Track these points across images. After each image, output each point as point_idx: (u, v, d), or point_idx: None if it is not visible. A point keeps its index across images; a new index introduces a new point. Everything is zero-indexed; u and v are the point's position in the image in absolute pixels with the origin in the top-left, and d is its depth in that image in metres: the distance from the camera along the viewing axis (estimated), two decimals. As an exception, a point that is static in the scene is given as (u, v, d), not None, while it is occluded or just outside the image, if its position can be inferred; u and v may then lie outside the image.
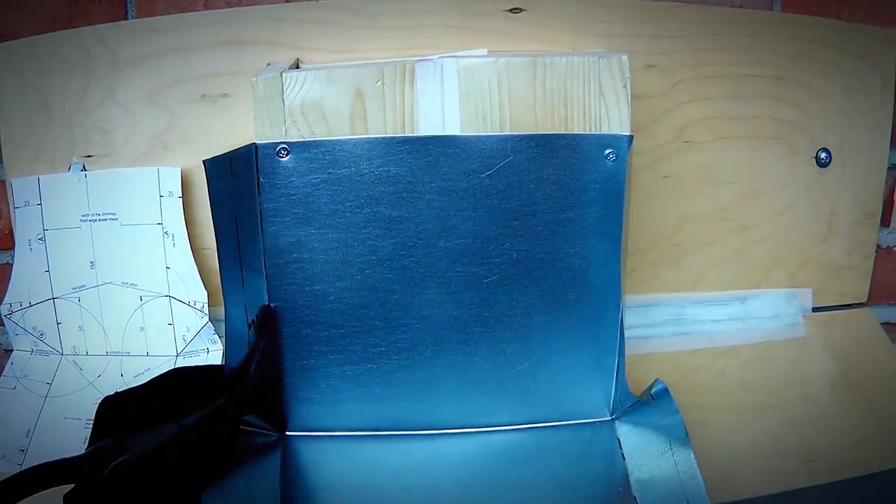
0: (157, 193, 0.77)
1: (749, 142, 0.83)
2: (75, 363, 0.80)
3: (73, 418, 0.76)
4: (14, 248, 0.80)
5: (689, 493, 0.63)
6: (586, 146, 0.67)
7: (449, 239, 0.67)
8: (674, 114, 0.81)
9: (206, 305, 0.77)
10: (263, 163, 0.66)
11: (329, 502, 0.67)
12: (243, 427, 0.69)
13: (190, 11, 0.79)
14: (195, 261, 0.77)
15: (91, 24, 0.79)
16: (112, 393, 0.61)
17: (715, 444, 0.75)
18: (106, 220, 0.78)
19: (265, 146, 0.66)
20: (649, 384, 0.70)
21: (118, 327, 0.79)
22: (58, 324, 0.80)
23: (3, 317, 0.80)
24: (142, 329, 0.79)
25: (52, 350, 0.80)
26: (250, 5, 0.79)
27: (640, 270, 0.84)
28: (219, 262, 0.65)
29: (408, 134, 0.67)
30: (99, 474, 0.55)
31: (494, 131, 0.67)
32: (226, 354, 0.69)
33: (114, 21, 0.79)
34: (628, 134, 0.67)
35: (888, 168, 0.89)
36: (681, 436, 0.65)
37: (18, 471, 0.53)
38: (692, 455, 0.64)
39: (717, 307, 0.85)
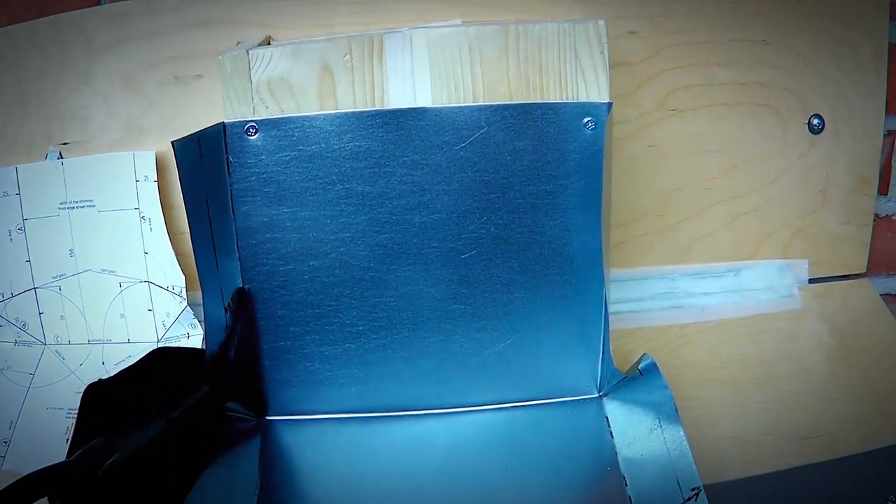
0: (133, 178, 0.75)
1: (737, 109, 0.80)
2: (58, 352, 0.78)
3: (55, 408, 0.74)
4: (-5, 239, 0.79)
5: (679, 471, 0.60)
6: (564, 115, 0.64)
7: (424, 214, 0.65)
8: (658, 81, 0.77)
9: (184, 290, 0.75)
10: (232, 142, 0.64)
11: (309, 487, 0.64)
12: (225, 413, 0.67)
13: (162, -7, 0.77)
14: (172, 245, 0.75)
15: (64, 12, 0.77)
16: (96, 380, 0.59)
17: (707, 420, 0.72)
18: (84, 207, 0.76)
19: (233, 125, 0.63)
20: (636, 360, 0.67)
21: (99, 315, 0.77)
22: (40, 314, 0.78)
23: (-14, 309, 0.79)
24: (122, 316, 0.77)
25: (34, 340, 0.79)
26: (221, -15, 0.77)
27: (629, 243, 0.81)
28: (192, 245, 0.63)
29: (378, 108, 0.64)
30: (92, 477, 0.53)
31: (467, 102, 0.64)
32: (205, 339, 0.66)
33: (86, 7, 0.77)
34: (607, 101, 0.64)
35: (884, 134, 0.85)
36: (670, 412, 0.62)
37: (12, 481, 0.51)
38: (682, 432, 0.61)
39: (710, 279, 0.82)
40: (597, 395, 0.69)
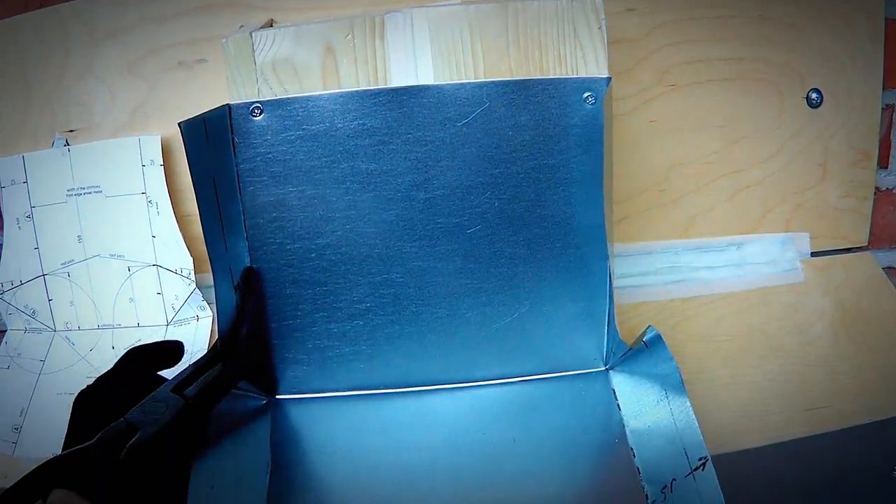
0: (139, 163, 0.76)
1: (735, 84, 0.81)
2: (67, 338, 0.79)
3: (66, 393, 0.76)
4: (2, 227, 0.80)
5: (686, 442, 0.61)
6: (564, 90, 0.65)
7: (428, 190, 0.66)
8: (656, 57, 0.79)
9: (192, 272, 0.77)
10: (237, 123, 0.65)
11: (320, 463, 0.66)
12: (236, 391, 0.68)
13: (163, -20, 0.78)
14: (180, 228, 0.77)
15: (67, 1, 0.79)
16: (84, 387, 0.60)
17: (712, 392, 0.73)
18: (91, 192, 0.77)
19: (238, 106, 0.65)
20: (641, 332, 0.68)
21: (108, 300, 0.79)
22: (49, 300, 0.80)
23: (-4, 297, 0.80)
24: (131, 300, 0.78)
25: (44, 327, 0.80)
26: (222, -31, 0.78)
27: (631, 218, 0.82)
28: (202, 225, 0.64)
29: (381, 86, 0.66)
30: (113, 459, 0.54)
31: (469, 79, 0.65)
32: (217, 319, 0.68)
33: (88, -4, 0.79)
34: (606, 76, 0.65)
35: (882, 108, 0.86)
36: (676, 384, 0.63)
37: (25, 468, 0.52)
38: (688, 403, 0.62)
39: (713, 253, 0.83)
40: (603, 369, 0.71)
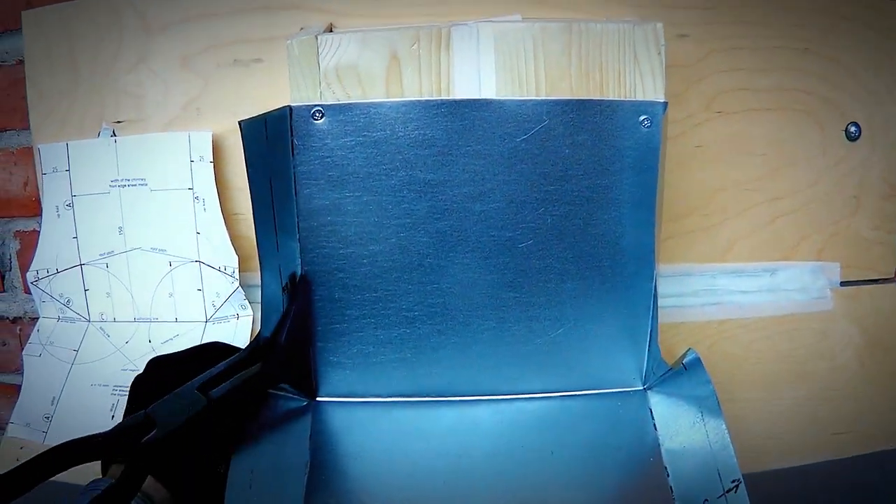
0: (187, 158, 0.78)
1: (778, 114, 0.83)
2: (102, 329, 0.81)
3: (100, 385, 0.77)
4: (41, 214, 0.81)
5: (720, 463, 0.63)
6: (621, 112, 0.67)
7: (484, 203, 0.68)
8: (704, 84, 0.81)
9: (236, 270, 0.78)
10: (298, 125, 0.66)
11: (359, 468, 0.67)
12: (274, 392, 0.69)
13: (222, -24, 0.80)
14: (226, 226, 0.78)
15: (121, -9, 0.80)
16: (159, 355, 0.62)
17: (743, 414, 0.76)
18: (135, 185, 0.79)
19: (300, 109, 0.66)
20: (681, 354, 0.70)
21: (146, 293, 0.80)
22: (85, 290, 0.81)
23: (30, 283, 0.81)
24: (170, 295, 0.79)
25: (78, 317, 0.81)
26: (283, -30, 0.80)
27: (673, 240, 0.84)
28: (254, 224, 0.66)
29: (444, 98, 0.67)
30: (129, 451, 0.56)
31: (530, 96, 0.67)
32: (261, 318, 0.69)
33: (143, -14, 0.81)
34: (663, 101, 0.68)
35: (916, 144, 0.89)
36: (713, 406, 0.65)
37: (46, 449, 0.53)
38: (724, 426, 0.64)
39: (748, 278, 0.86)
40: (641, 388, 0.73)
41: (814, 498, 0.76)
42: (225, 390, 0.61)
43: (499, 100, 0.67)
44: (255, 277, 0.77)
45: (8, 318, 0.91)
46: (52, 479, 0.53)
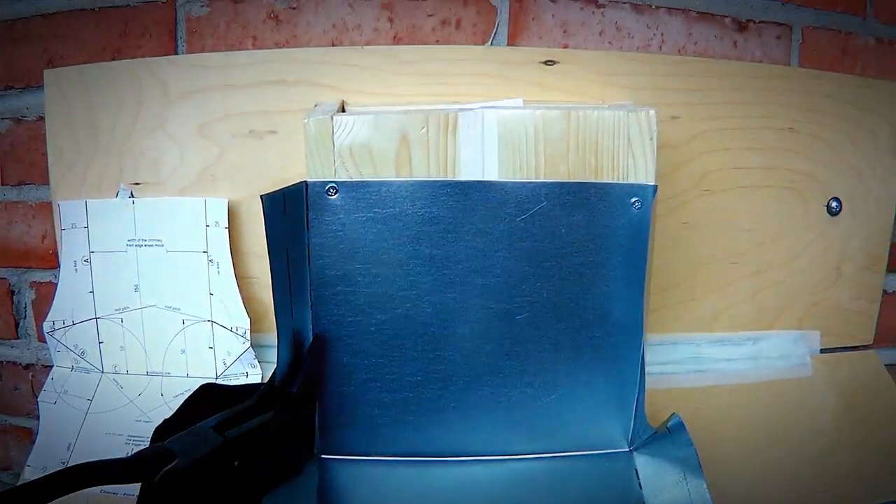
0: (203, 223, 0.85)
1: (764, 191, 0.92)
2: (116, 381, 0.87)
3: (114, 434, 0.83)
4: (59, 267, 0.88)
5: (700, 519, 0.71)
6: (614, 194, 0.75)
7: (485, 277, 0.75)
8: (694, 163, 0.90)
9: (248, 331, 0.85)
10: (313, 200, 0.74)
11: (363, 524, 0.75)
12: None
13: (239, 50, 0.88)
14: (239, 289, 0.85)
15: (141, 57, 0.88)
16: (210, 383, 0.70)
17: (725, 474, 0.82)
18: (152, 245, 0.86)
19: (315, 184, 0.74)
20: (666, 417, 0.78)
21: (160, 349, 0.87)
22: (99, 343, 0.87)
23: (46, 333, 0.88)
24: (183, 351, 0.86)
25: (92, 368, 0.88)
26: (297, 47, 0.88)
27: (661, 311, 0.92)
28: (272, 290, 0.74)
29: (449, 178, 0.75)
30: (147, 479, 0.60)
31: (530, 178, 0.75)
32: (274, 377, 0.76)
33: (164, 55, 0.88)
34: (653, 184, 0.75)
35: (895, 216, 0.98)
36: (694, 466, 0.73)
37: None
38: (704, 485, 0.71)
39: (731, 347, 0.94)
40: (628, 450, 0.80)
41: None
42: (240, 432, 0.67)
43: (501, 182, 0.74)
44: (266, 338, 0.86)
45: (21, 364, 0.98)
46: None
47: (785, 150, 0.92)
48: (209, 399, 0.70)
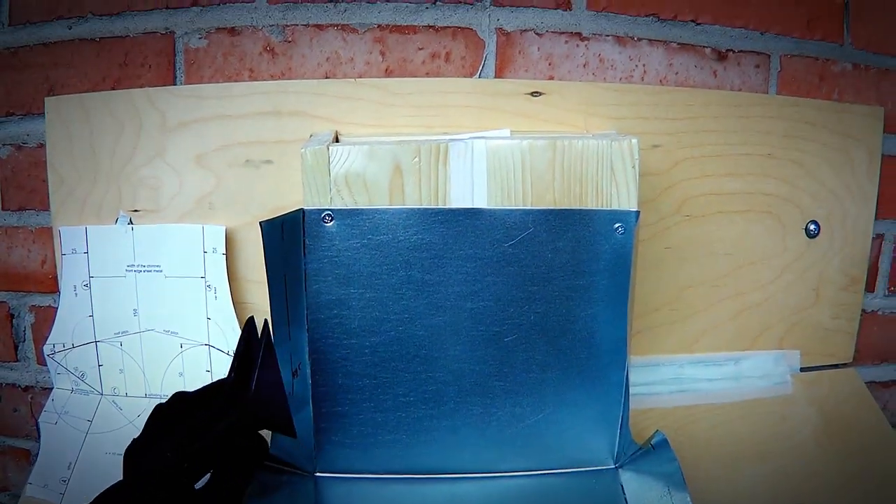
0: (201, 249, 0.90)
1: (743, 216, 0.99)
2: (115, 403, 0.93)
3: (114, 454, 0.88)
4: (59, 292, 0.93)
5: (684, 533, 0.77)
6: (598, 220, 0.81)
7: (474, 301, 0.81)
8: (675, 190, 0.96)
9: (244, 355, 0.90)
10: (310, 227, 0.80)
11: (358, 539, 0.81)
12: (278, 466, 0.82)
13: (236, 81, 0.94)
14: (236, 314, 0.91)
15: (141, 87, 0.93)
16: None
17: (708, 489, 0.88)
18: (150, 271, 0.91)
19: (312, 212, 0.80)
20: (650, 435, 0.84)
21: (158, 372, 0.92)
22: (99, 366, 0.93)
23: (46, 356, 0.93)
24: (181, 374, 0.92)
25: (91, 390, 0.93)
26: (292, 79, 0.94)
27: (644, 333, 0.99)
28: (270, 314, 0.79)
29: (440, 206, 0.80)
30: None
31: (517, 205, 0.80)
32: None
33: (163, 85, 0.94)
34: (636, 210, 0.81)
35: (873, 237, 1.04)
36: (678, 482, 0.79)
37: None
38: (688, 498, 0.77)
39: (713, 367, 1.00)
40: (614, 467, 0.86)
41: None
42: (198, 447, 0.71)
43: (489, 209, 0.80)
44: (262, 362, 0.91)
45: (20, 386, 1.04)
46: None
47: (764, 175, 0.98)
48: (178, 409, 0.74)
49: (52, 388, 0.94)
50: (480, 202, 0.81)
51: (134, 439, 0.72)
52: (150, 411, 0.72)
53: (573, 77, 0.97)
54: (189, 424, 0.72)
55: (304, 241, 0.80)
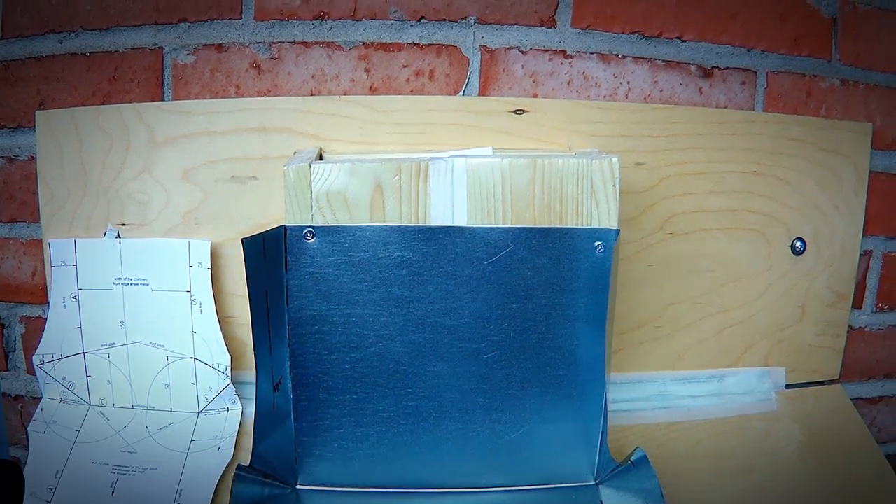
0: (186, 264, 0.92)
1: (727, 233, 1.00)
2: (102, 413, 0.94)
3: (100, 463, 0.90)
4: (48, 303, 0.95)
5: (664, 552, 0.79)
6: (578, 239, 0.82)
7: (454, 318, 0.83)
8: (659, 207, 0.97)
9: (228, 368, 0.92)
10: (291, 244, 0.81)
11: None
12: (258, 478, 0.84)
13: (223, 97, 0.96)
14: (221, 328, 0.92)
15: (130, 102, 0.95)
16: None
17: (690, 504, 0.91)
18: (137, 284, 0.93)
19: (293, 229, 0.81)
20: (630, 452, 0.86)
21: (144, 383, 0.94)
22: (87, 376, 0.95)
23: (35, 366, 0.95)
24: (167, 386, 0.94)
25: (80, 400, 0.95)
26: (278, 96, 0.96)
27: (627, 350, 1.00)
28: (252, 329, 0.81)
29: (421, 224, 0.82)
30: None
31: (497, 223, 0.82)
32: (255, 412, 0.84)
33: (151, 100, 0.96)
34: (616, 228, 0.82)
35: (860, 254, 1.05)
36: (657, 497, 0.80)
37: None
38: (668, 515, 0.79)
39: (697, 384, 1.02)
40: (593, 483, 0.87)
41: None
42: None
43: (469, 227, 0.82)
44: (246, 375, 0.93)
45: (10, 395, 1.06)
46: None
47: (749, 192, 0.99)
48: None
49: (41, 398, 0.96)
50: (461, 220, 0.82)
51: None
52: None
53: (557, 95, 0.98)
54: None
55: (285, 257, 0.81)
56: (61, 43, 0.95)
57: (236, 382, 0.93)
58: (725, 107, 1.00)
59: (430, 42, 0.96)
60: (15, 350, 1.04)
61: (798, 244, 1.02)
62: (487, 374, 0.84)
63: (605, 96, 0.99)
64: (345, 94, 0.96)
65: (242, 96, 0.96)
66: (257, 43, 0.95)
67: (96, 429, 0.94)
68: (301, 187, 0.82)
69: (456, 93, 0.97)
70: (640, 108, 0.97)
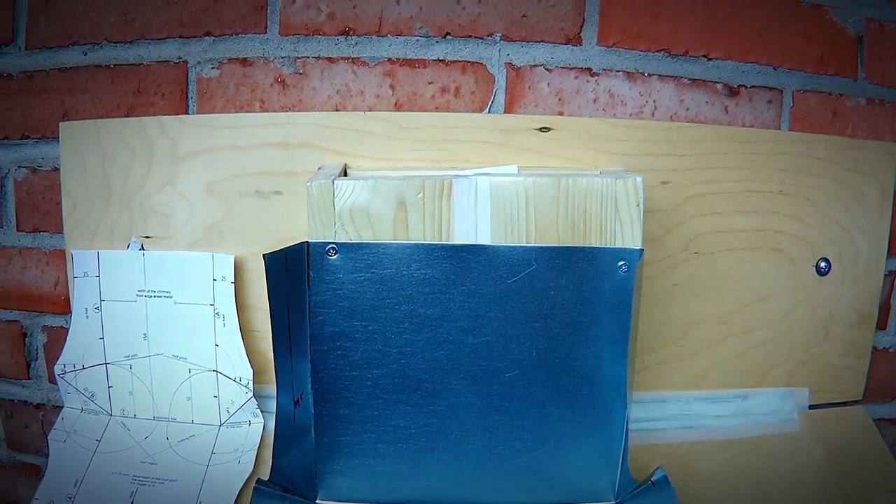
0: (210, 277, 0.93)
1: (752, 253, 1.00)
2: (123, 424, 0.96)
3: (120, 473, 0.91)
4: (71, 313, 0.96)
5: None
6: (602, 258, 0.83)
7: (476, 336, 0.84)
8: (684, 227, 0.98)
9: (250, 382, 0.93)
10: (314, 260, 0.82)
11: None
12: (279, 493, 0.85)
13: (247, 112, 0.97)
14: (243, 341, 0.93)
15: (153, 115, 0.96)
16: None
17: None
18: (161, 297, 0.94)
19: (316, 245, 0.82)
20: (651, 471, 0.86)
21: (166, 395, 0.95)
22: (109, 387, 0.96)
23: (57, 376, 0.96)
24: (188, 399, 0.95)
25: (101, 410, 0.96)
26: (302, 111, 0.97)
27: (651, 369, 1.01)
28: (273, 345, 0.82)
29: (444, 241, 0.83)
30: None
31: (521, 242, 0.83)
32: (275, 427, 0.85)
33: (175, 114, 0.97)
34: (639, 248, 0.83)
35: (885, 274, 1.05)
36: (678, 519, 0.81)
37: None
38: (687, 536, 0.80)
39: (720, 404, 1.02)
40: (614, 502, 0.88)
41: None
42: None
43: (493, 246, 0.82)
44: (268, 389, 0.94)
45: (32, 403, 1.07)
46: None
47: (774, 212, 1.00)
48: None
49: (62, 407, 0.97)
50: (484, 238, 0.83)
51: None
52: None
53: (583, 113, 0.99)
54: None
55: (308, 273, 0.82)
56: (86, 55, 0.97)
57: (258, 396, 0.94)
58: (751, 125, 1.00)
59: (455, 59, 0.97)
60: (37, 359, 1.06)
61: (823, 264, 1.02)
62: (509, 392, 0.85)
63: (630, 114, 0.99)
64: (370, 110, 0.97)
65: (267, 111, 0.97)
66: (282, 58, 0.96)
67: (117, 439, 0.95)
68: (324, 203, 0.83)
69: (481, 110, 0.98)
70: (666, 126, 0.97)
